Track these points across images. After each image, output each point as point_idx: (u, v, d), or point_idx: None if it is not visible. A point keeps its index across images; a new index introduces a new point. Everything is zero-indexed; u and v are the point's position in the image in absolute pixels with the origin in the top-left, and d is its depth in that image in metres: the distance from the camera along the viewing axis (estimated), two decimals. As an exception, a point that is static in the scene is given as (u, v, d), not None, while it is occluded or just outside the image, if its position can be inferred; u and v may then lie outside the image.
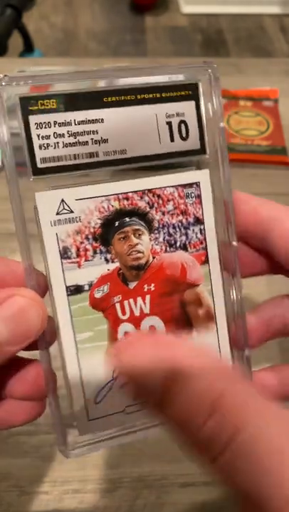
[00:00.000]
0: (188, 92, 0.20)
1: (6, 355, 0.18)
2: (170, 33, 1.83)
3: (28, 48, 1.28)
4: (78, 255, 0.20)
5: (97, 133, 0.19)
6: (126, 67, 0.20)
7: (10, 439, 0.36)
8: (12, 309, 0.17)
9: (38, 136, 0.19)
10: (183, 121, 0.20)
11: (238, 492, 0.13)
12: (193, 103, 0.20)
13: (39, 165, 0.19)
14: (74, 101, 0.19)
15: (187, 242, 0.21)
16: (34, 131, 0.19)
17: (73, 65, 0.57)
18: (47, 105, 0.19)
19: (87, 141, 0.19)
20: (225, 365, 0.17)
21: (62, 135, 0.19)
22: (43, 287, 0.20)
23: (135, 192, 0.20)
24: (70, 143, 0.19)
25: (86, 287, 0.20)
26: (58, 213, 0.20)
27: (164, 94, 0.20)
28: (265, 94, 0.61)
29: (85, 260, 0.20)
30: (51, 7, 1.92)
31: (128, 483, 0.34)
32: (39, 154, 0.19)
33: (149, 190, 0.20)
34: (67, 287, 0.20)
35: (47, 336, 0.20)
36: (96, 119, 0.19)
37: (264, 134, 0.56)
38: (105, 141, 0.19)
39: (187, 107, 0.20)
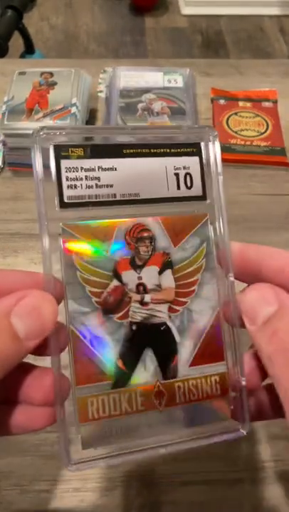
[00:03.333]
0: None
1: (24, 350, 0.19)
2: (170, 35, 1.83)
3: (28, 49, 1.28)
4: None
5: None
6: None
7: (11, 437, 0.36)
8: (26, 308, 0.19)
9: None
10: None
11: None
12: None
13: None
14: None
15: None
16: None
17: (74, 67, 0.57)
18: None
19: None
20: None
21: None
22: (60, 293, 0.22)
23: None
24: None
25: None
26: None
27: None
28: (265, 95, 0.62)
29: None
30: (52, 8, 1.93)
31: (128, 482, 0.34)
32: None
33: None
34: None
35: (60, 340, 0.21)
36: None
37: (263, 134, 0.57)
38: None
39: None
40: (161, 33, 1.84)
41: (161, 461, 0.35)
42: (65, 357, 0.22)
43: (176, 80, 0.60)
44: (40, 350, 0.21)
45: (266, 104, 0.61)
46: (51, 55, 1.69)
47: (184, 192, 0.24)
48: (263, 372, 0.23)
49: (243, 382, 0.23)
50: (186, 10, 1.93)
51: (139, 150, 0.24)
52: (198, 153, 0.25)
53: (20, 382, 0.21)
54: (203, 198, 0.25)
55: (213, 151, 0.25)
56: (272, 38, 1.83)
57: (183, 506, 0.34)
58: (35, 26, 1.81)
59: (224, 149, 0.54)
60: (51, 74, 0.55)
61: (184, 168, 0.24)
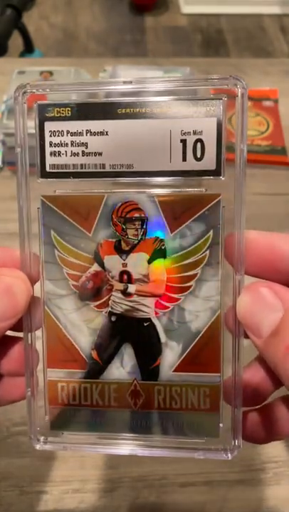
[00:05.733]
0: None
1: None
2: (170, 33, 1.83)
3: (28, 48, 1.28)
4: None
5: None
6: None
7: (10, 439, 0.36)
8: None
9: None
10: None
11: None
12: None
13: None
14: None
15: None
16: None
17: (73, 66, 0.57)
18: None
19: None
20: None
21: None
22: (37, 271, 0.21)
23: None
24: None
25: None
26: None
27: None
28: (265, 95, 0.62)
29: None
30: (51, 7, 1.92)
31: (128, 483, 0.34)
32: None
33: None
34: None
35: (35, 318, 0.20)
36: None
37: (264, 134, 0.56)
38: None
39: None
40: (162, 32, 1.83)
41: (161, 462, 0.35)
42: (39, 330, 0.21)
43: (176, 78, 0.59)
44: (15, 326, 0.20)
45: (267, 103, 0.60)
46: (51, 54, 1.68)
47: (191, 164, 0.19)
48: (273, 384, 0.20)
49: (239, 400, 0.20)
50: (187, 9, 1.92)
51: (137, 109, 0.19)
52: (217, 114, 0.19)
53: None
54: (216, 173, 0.19)
55: (241, 109, 0.19)
56: (273, 37, 1.83)
57: (183, 507, 0.34)
58: (35, 25, 1.81)
59: (224, 148, 0.53)
60: (51, 73, 0.55)
61: (195, 132, 0.19)
